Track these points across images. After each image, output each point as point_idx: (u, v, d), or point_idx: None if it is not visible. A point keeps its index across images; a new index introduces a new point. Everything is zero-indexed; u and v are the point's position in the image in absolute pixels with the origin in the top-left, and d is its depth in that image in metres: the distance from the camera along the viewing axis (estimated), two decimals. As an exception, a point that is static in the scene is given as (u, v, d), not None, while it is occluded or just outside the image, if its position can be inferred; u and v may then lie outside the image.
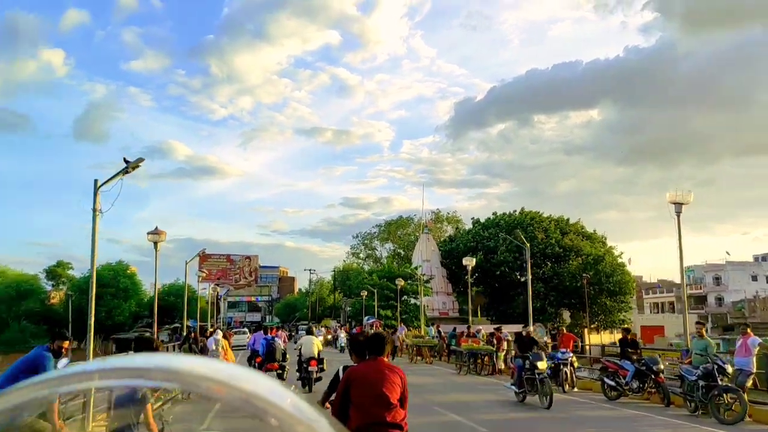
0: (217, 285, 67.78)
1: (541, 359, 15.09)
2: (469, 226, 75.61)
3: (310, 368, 16.78)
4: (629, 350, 16.10)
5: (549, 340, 25.48)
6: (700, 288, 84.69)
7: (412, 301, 59.63)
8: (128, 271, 67.57)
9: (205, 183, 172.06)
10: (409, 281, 58.73)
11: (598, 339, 63.10)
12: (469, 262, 27.44)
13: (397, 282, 44.89)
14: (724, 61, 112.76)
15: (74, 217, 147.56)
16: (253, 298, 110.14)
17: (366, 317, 52.10)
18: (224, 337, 38.46)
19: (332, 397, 5.47)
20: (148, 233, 22.12)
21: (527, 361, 15.22)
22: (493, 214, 71.08)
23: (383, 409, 4.95)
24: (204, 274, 65.54)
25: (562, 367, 17.17)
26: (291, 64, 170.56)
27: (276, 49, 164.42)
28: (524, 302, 64.68)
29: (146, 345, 8.24)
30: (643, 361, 15.28)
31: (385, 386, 5.00)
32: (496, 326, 25.56)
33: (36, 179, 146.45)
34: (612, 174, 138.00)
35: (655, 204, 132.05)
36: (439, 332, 31.35)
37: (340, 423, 1.05)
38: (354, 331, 60.11)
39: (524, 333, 17.66)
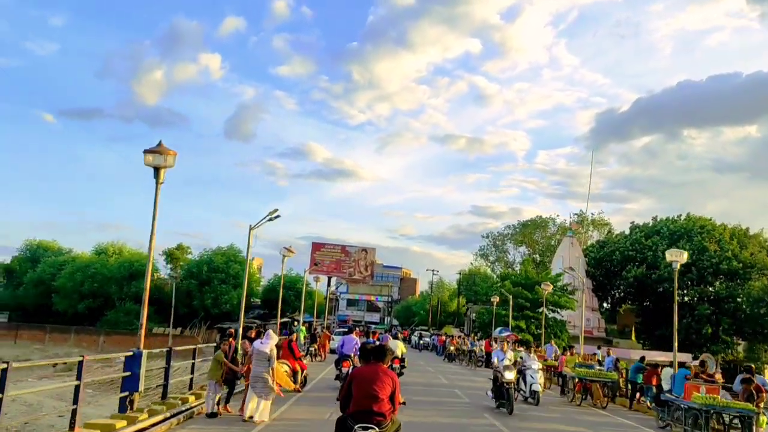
0: (330, 278, 60.68)
1: None
2: (619, 230, 63.75)
3: (394, 366, 18.22)
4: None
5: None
6: None
7: (550, 314, 49.16)
8: (240, 257, 61.92)
9: (340, 185, 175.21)
10: (553, 291, 48.43)
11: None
12: (677, 257, 17.37)
13: (543, 287, 34.95)
14: None
15: (219, 211, 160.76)
16: (372, 297, 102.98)
17: (498, 329, 42.36)
18: (312, 336, 30.68)
19: None
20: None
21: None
22: (653, 218, 58.74)
23: (372, 401, 6.34)
24: (318, 265, 58.89)
25: None
26: (430, 72, 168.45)
27: (416, 57, 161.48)
28: (688, 328, 53.03)
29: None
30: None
31: (377, 384, 6.39)
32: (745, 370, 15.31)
33: (190, 174, 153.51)
34: None
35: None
36: (613, 361, 21.37)
37: None
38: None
39: None
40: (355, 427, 6.23)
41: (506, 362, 15.89)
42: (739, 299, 52.10)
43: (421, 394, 18.28)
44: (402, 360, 20.29)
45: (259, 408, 11.66)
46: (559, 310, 47.51)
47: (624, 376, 20.60)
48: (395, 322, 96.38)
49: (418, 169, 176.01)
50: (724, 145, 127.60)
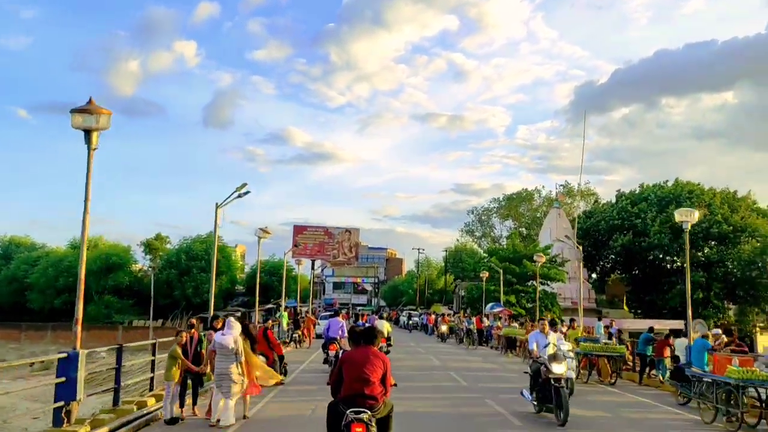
0: (314, 261, 58.71)
1: None
2: (606, 200, 62.38)
3: (381, 345, 15.31)
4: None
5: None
6: None
7: (540, 287, 47.84)
8: (221, 245, 59.72)
9: (322, 168, 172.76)
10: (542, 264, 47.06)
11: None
12: (688, 216, 15.69)
13: (536, 258, 33.40)
14: None
15: (200, 200, 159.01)
16: (358, 280, 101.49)
17: (489, 304, 40.85)
18: (295, 322, 28.93)
19: None
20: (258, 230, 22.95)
21: None
22: (641, 186, 57.37)
23: (363, 384, 6.24)
24: (299, 247, 56.69)
25: None
26: (408, 50, 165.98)
27: (394, 36, 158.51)
28: (681, 293, 51.90)
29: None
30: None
31: (367, 367, 6.30)
32: None
33: (170, 164, 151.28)
34: (748, 161, 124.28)
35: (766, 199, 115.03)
36: (615, 333, 19.82)
37: None
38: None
39: None
40: (347, 412, 6.09)
41: (550, 350, 11.39)
42: (729, 263, 51.13)
43: (414, 380, 16.60)
44: (388, 339, 20.44)
45: (226, 410, 9.91)
46: (549, 282, 46.19)
47: (630, 348, 19.00)
48: (383, 303, 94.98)
49: (400, 149, 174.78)
50: (703, 112, 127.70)
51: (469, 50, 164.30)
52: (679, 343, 15.76)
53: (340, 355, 15.51)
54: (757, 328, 53.70)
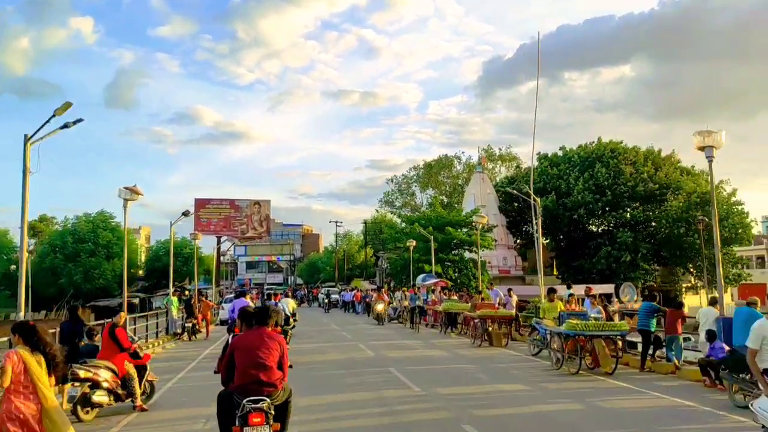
0: (219, 238, 51.83)
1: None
2: (527, 164, 59.19)
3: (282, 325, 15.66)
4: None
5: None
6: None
7: (467, 255, 43.90)
8: (112, 223, 52.25)
9: (233, 148, 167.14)
10: (466, 229, 42.93)
11: (696, 302, 46.99)
12: (711, 140, 11.45)
13: (476, 220, 29.09)
14: (762, 14, 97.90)
15: (105, 185, 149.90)
16: (273, 258, 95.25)
17: (420, 276, 36.17)
18: (188, 308, 23.12)
19: None
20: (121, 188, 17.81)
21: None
22: (561, 148, 54.32)
23: (259, 370, 5.55)
24: (202, 225, 49.61)
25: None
26: (317, 27, 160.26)
27: (302, 11, 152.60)
28: (608, 256, 49.43)
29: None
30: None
31: (263, 351, 5.60)
32: None
33: (70, 148, 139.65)
34: (645, 131, 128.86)
35: (689, 160, 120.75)
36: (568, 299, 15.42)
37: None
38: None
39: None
40: (244, 402, 5.49)
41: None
42: (654, 223, 49.08)
43: (345, 387, 11.51)
44: (293, 315, 19.23)
45: None
46: (470, 249, 42.37)
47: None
48: (299, 281, 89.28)
49: (313, 126, 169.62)
50: (603, 85, 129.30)
51: (378, 26, 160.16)
52: (705, 315, 11.39)
53: None
54: (683, 289, 52.38)
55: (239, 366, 5.58)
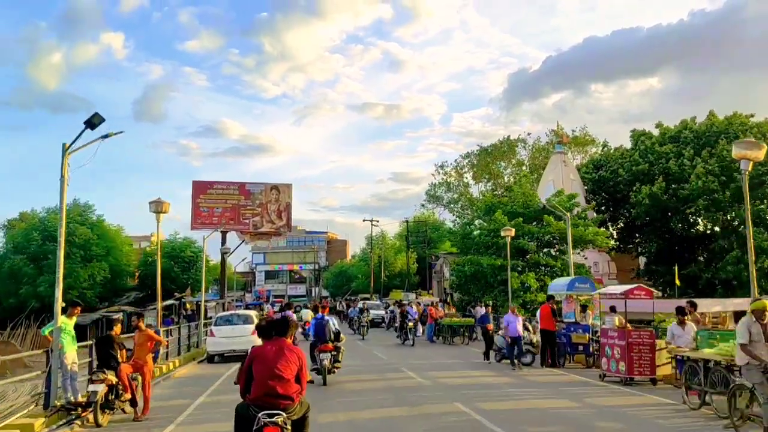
0: (224, 233, 37.84)
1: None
2: (612, 146, 45.67)
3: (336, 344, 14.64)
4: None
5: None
6: None
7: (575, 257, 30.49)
8: (92, 218, 39.85)
9: (257, 161, 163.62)
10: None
11: None
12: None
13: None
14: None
15: (132, 197, 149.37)
16: (295, 266, 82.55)
17: (564, 281, 22.91)
18: (101, 352, 10.32)
19: None
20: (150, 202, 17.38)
21: None
22: (657, 125, 40.87)
23: (277, 382, 5.20)
24: (203, 216, 36.03)
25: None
26: (343, 40, 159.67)
27: (328, 25, 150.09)
28: (737, 262, 34.13)
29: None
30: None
31: (281, 363, 5.26)
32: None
33: (100, 161, 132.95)
34: None
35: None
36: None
37: None
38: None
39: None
40: (259, 415, 5.13)
41: None
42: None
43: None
44: (337, 336, 14.19)
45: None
46: (580, 251, 29.42)
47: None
48: (325, 292, 76.40)
49: (337, 139, 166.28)
50: (629, 97, 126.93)
51: (403, 39, 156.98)
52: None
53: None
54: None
55: (257, 377, 5.28)
